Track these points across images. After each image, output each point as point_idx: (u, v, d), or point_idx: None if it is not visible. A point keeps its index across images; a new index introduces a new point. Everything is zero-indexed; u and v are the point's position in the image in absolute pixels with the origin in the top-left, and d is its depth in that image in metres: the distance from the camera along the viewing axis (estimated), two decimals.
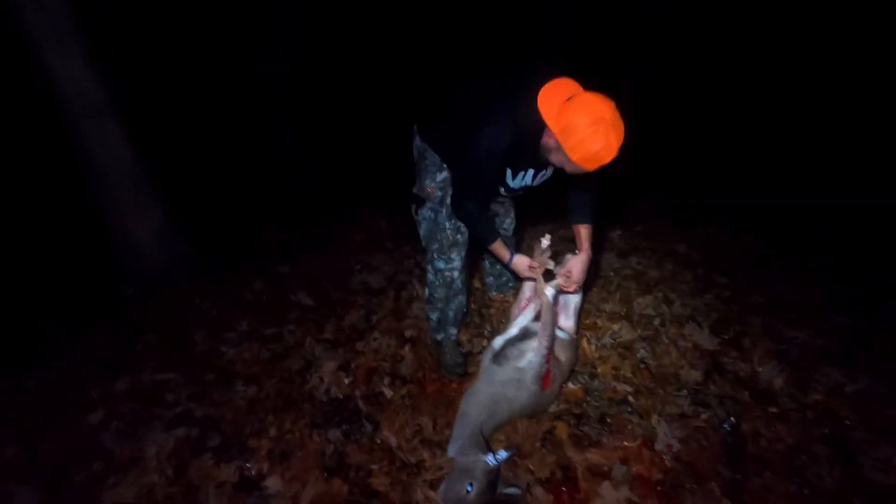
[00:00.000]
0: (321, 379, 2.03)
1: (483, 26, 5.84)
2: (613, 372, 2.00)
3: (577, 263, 1.75)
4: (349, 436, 1.77)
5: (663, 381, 1.94)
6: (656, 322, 2.26)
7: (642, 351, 2.10)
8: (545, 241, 1.79)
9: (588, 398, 1.90)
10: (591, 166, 1.34)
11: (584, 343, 2.13)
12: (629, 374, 1.98)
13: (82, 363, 2.21)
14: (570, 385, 1.94)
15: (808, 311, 2.34)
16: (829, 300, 2.41)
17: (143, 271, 2.86)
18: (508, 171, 1.62)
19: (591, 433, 1.73)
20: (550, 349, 1.71)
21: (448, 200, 1.77)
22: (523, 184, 1.67)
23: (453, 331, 2.09)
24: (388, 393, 1.95)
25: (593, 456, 1.63)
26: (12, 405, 1.99)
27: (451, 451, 1.59)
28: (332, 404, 1.92)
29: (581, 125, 1.28)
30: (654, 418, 1.75)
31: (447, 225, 1.81)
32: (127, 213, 2.77)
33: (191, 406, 1.93)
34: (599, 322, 2.27)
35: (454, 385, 2.00)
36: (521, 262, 1.75)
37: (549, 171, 1.69)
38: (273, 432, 1.79)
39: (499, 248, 1.73)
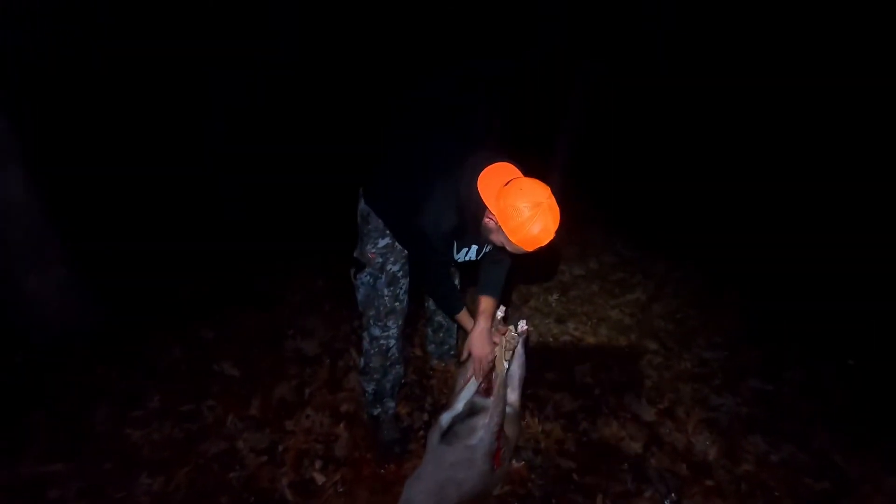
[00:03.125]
0: (242, 465, 1.82)
1: (484, 26, 5.88)
2: (557, 446, 1.96)
3: (471, 341, 1.71)
4: None
5: (606, 455, 1.93)
6: (596, 391, 2.28)
7: (584, 423, 2.09)
8: (500, 314, 1.78)
9: (532, 475, 1.84)
10: (530, 248, 1.38)
11: (528, 416, 2.09)
12: (573, 449, 1.95)
13: None
14: (514, 462, 1.88)
15: (729, 377, 2.46)
16: (747, 365, 2.56)
17: (38, 334, 2.50)
18: (455, 245, 1.61)
19: None
20: (502, 425, 1.65)
21: (388, 267, 1.73)
22: (467, 258, 1.67)
23: (391, 404, 1.98)
24: (320, 479, 1.77)
25: None
26: None
27: None
28: (255, 495, 1.71)
29: (520, 209, 1.32)
30: (599, 498, 1.72)
31: (385, 292, 1.76)
32: (22, 266, 2.44)
33: None
34: (541, 392, 2.25)
35: (392, 467, 1.86)
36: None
37: (490, 246, 1.71)
38: None
39: (464, 318, 1.73)
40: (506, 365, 1.67)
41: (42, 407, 2.11)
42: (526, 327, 1.78)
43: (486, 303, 1.73)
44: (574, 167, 4.75)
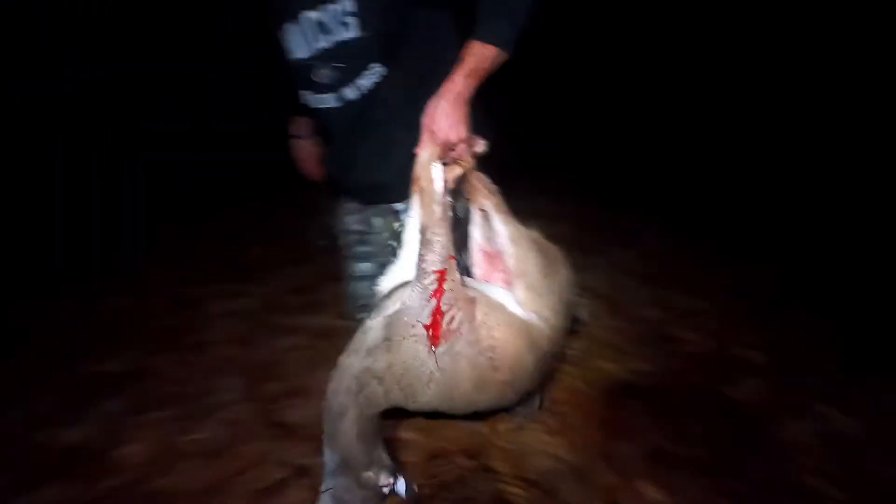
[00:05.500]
0: None
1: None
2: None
3: (433, 106, 1.01)
4: None
5: None
6: None
7: None
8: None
9: None
10: None
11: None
12: None
13: None
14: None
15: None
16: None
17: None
18: (287, 32, 1.12)
19: None
20: (442, 273, 0.97)
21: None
22: (310, 48, 1.10)
23: None
24: None
25: None
26: None
27: (327, 457, 1.06)
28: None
29: None
30: None
31: None
32: None
33: None
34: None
35: None
36: None
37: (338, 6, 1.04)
38: None
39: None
40: (433, 169, 1.02)
41: None
42: None
43: (467, 48, 1.00)
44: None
